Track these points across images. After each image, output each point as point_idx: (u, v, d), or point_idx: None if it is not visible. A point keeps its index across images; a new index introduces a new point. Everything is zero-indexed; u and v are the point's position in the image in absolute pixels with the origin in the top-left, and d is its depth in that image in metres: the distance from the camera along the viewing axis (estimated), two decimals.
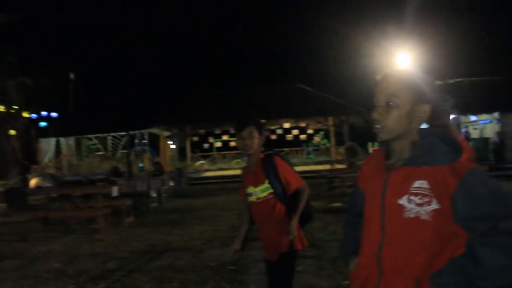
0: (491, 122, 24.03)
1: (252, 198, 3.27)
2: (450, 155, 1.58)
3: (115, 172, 16.42)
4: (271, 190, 3.20)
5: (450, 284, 1.50)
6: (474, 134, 24.79)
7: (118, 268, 6.69)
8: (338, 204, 11.82)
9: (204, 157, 30.13)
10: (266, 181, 3.20)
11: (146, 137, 25.59)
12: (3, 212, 14.04)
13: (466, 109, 22.78)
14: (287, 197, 3.24)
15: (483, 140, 23.02)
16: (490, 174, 12.81)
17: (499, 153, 20.04)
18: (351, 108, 25.11)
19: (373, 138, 28.68)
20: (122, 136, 25.93)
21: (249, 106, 22.25)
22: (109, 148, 27.34)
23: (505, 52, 34.54)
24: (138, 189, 13.36)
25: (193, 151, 28.78)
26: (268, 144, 3.81)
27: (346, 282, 5.37)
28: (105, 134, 26.37)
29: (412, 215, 1.57)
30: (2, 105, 20.33)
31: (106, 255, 7.62)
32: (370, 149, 27.99)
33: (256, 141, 3.19)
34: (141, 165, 23.14)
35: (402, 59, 33.16)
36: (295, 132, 28.61)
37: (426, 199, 1.55)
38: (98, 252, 7.90)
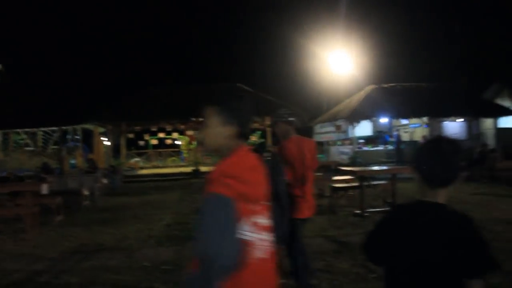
0: (420, 126, 25.11)
1: None
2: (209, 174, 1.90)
3: (46, 168, 15.80)
4: None
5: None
6: (405, 137, 25.80)
7: (46, 269, 6.42)
8: None
9: (139, 155, 29.55)
10: None
11: (79, 133, 24.78)
12: None
13: (397, 113, 23.71)
14: None
15: (412, 143, 24.02)
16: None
17: None
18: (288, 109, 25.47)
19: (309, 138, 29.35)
20: (54, 131, 24.98)
21: (187, 105, 22.04)
22: (40, 144, 26.25)
23: (436, 60, 36.23)
24: (70, 187, 12.92)
25: (128, 148, 28.16)
26: None
27: (281, 281, 5.44)
28: (35, 129, 25.28)
29: None
30: None
31: (33, 256, 7.29)
32: None
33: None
34: (73, 161, 22.40)
35: (338, 62, 34.07)
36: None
37: None
38: (24, 252, 7.54)
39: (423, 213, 2.10)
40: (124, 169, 23.13)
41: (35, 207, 9.43)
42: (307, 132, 29.46)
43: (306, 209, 4.93)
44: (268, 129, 27.12)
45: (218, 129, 2.05)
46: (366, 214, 9.65)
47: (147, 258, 6.81)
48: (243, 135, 2.08)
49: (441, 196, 2.11)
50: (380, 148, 24.80)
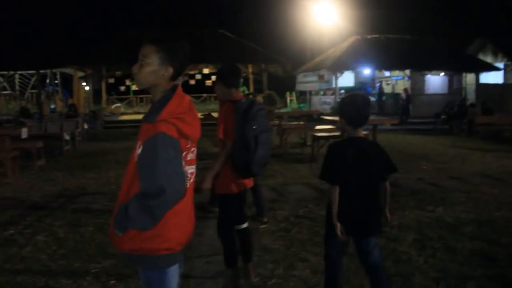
0: (402, 78, 25.17)
1: None
2: (154, 115, 2.03)
3: (24, 113, 15.59)
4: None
5: (117, 215, 2.08)
6: (387, 89, 25.89)
7: (29, 213, 6.44)
8: None
9: (120, 100, 29.22)
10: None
11: (58, 77, 24.30)
12: None
13: (380, 65, 23.67)
14: None
15: (394, 96, 24.16)
16: (399, 127, 13.40)
17: (406, 109, 21.15)
18: (271, 57, 25.22)
19: (291, 87, 29.23)
20: (32, 74, 24.44)
21: None
22: (17, 88, 25.73)
23: (421, 12, 35.94)
24: (50, 132, 12.78)
25: (109, 94, 27.78)
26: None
27: (264, 226, 5.57)
28: (12, 72, 24.69)
29: (135, 159, 2.09)
30: None
31: (15, 199, 7.31)
32: (288, 98, 28.54)
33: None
34: (52, 106, 22.09)
35: (322, 12, 33.59)
36: (214, 78, 28.40)
37: (138, 145, 2.09)
38: (6, 196, 7.54)
39: (356, 143, 3.21)
40: (105, 114, 22.92)
41: (15, 151, 9.35)
42: (289, 81, 29.39)
43: None
44: (251, 77, 26.94)
45: (155, 68, 2.13)
46: None
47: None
48: (177, 76, 2.21)
49: (360, 132, 3.24)
50: None
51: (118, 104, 27.98)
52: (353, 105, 3.18)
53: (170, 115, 2.03)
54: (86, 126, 16.36)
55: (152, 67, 2.12)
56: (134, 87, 28.95)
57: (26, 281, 4.17)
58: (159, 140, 1.97)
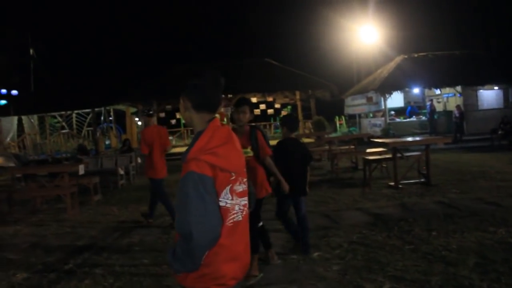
0: (454, 95, 24.54)
1: None
2: (186, 153, 2.05)
3: (82, 150, 16.16)
4: (251, 154, 4.79)
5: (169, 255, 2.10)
6: (439, 107, 25.30)
7: (87, 247, 6.65)
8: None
9: (171, 133, 29.87)
10: (249, 147, 4.81)
11: (111, 114, 25.20)
12: None
13: (429, 83, 23.20)
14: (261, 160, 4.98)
15: (446, 113, 23.53)
16: (454, 146, 12.95)
17: (460, 126, 20.53)
18: (318, 82, 25.21)
19: (340, 111, 28.97)
20: (87, 113, 25.48)
21: None
22: (74, 126, 26.83)
23: (468, 27, 35.16)
24: (106, 167, 13.20)
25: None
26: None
27: (317, 254, 5.49)
28: (69, 112, 25.81)
29: None
30: None
31: (74, 234, 7.55)
32: (337, 123, 28.33)
33: (247, 116, 4.87)
34: (107, 142, 22.82)
35: (367, 33, 33.47)
36: (263, 106, 28.58)
37: None
38: (66, 231, 7.81)
39: (292, 141, 5.68)
40: None
41: (74, 187, 9.71)
42: (337, 105, 29.21)
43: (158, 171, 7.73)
44: (299, 103, 26.97)
45: (184, 109, 2.22)
46: (400, 186, 9.59)
47: None
48: (209, 109, 2.20)
49: (292, 135, 5.77)
50: (413, 119, 24.39)
51: (170, 137, 28.62)
52: (291, 119, 6.04)
53: (199, 152, 2.01)
54: (139, 160, 16.79)
55: (183, 109, 2.23)
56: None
57: None
58: (189, 180, 1.97)
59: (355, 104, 27.36)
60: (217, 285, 2.07)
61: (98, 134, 22.21)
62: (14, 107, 24.07)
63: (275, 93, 26.19)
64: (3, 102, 24.11)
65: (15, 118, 24.92)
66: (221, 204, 2.05)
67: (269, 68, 26.06)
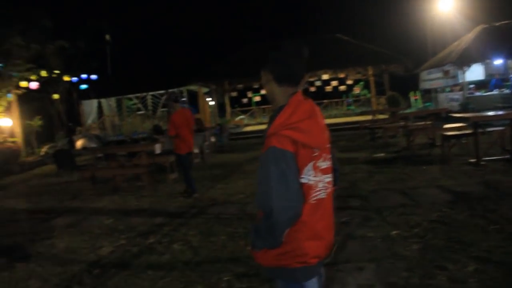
0: None
1: None
2: (267, 129, 2.04)
3: (157, 130, 16.63)
4: None
5: (251, 232, 2.12)
6: None
7: (166, 223, 6.85)
8: (382, 154, 11.68)
9: (243, 112, 30.14)
10: None
11: (185, 94, 25.71)
12: (53, 172, 14.57)
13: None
14: None
15: None
16: None
17: None
18: (391, 57, 24.38)
19: (414, 86, 27.99)
20: (162, 94, 26.14)
21: None
22: (150, 107, 27.64)
23: None
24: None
25: (232, 107, 28.78)
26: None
27: (395, 232, 5.33)
28: (144, 93, 26.62)
29: None
30: (44, 70, 20.67)
31: (153, 210, 7.82)
32: (412, 98, 27.36)
33: None
34: None
35: (443, 2, 31.84)
36: (334, 83, 28.08)
37: None
38: (145, 208, 8.10)
39: None
40: (230, 126, 23.75)
41: (151, 166, 10.02)
42: (412, 80, 28.18)
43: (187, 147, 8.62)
44: (372, 79, 26.27)
45: (266, 83, 2.20)
46: (482, 162, 9.10)
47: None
48: (292, 82, 2.13)
49: None
50: (495, 92, 23.05)
51: (242, 116, 28.88)
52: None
53: (281, 127, 1.97)
54: (213, 139, 17.08)
55: (265, 85, 2.22)
56: (256, 99, 29.72)
57: (167, 286, 4.42)
58: (270, 155, 1.94)
59: (430, 79, 26.24)
60: (298, 263, 2.05)
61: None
62: (94, 91, 25.16)
63: (347, 69, 25.61)
64: (84, 86, 25.22)
65: (95, 101, 26.03)
66: (304, 181, 2.00)
67: (340, 44, 25.51)
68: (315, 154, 2.04)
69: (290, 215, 1.93)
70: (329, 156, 2.18)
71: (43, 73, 20.58)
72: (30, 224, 7.74)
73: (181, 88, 24.75)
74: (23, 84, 19.24)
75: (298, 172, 1.97)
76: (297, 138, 1.96)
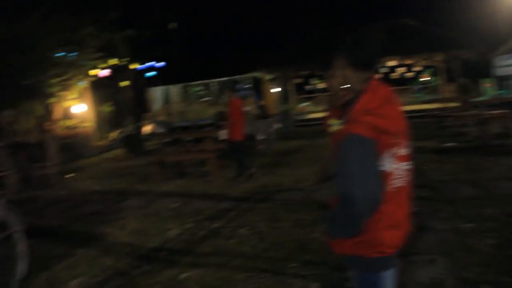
0: None
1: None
2: (345, 115, 1.97)
3: (221, 116, 16.81)
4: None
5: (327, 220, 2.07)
6: None
7: (232, 208, 6.90)
8: (452, 144, 11.22)
9: (307, 99, 29.89)
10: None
11: (249, 81, 25.83)
12: (123, 156, 15.07)
13: None
14: None
15: None
16: None
17: None
18: (462, 42, 23.33)
19: (487, 73, 26.73)
20: (226, 81, 26.39)
21: None
22: (214, 94, 27.99)
23: None
24: (245, 133, 13.56)
25: (296, 93, 28.62)
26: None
27: (468, 225, 5.09)
28: (209, 80, 26.98)
29: None
30: (113, 58, 21.37)
31: (219, 195, 7.90)
32: (484, 85, 26.15)
33: (336, 81, 4.58)
34: (248, 109, 23.47)
35: None
36: (401, 70, 27.26)
37: None
38: (211, 193, 8.20)
39: None
40: (294, 113, 23.64)
41: (216, 152, 10.12)
42: (484, 66, 26.89)
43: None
44: (440, 66, 25.29)
45: (340, 68, 2.09)
46: None
47: (324, 198, 6.90)
48: (367, 67, 2.04)
49: None
50: None
51: (306, 103, 28.66)
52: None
53: (360, 113, 1.91)
54: (277, 126, 17.05)
55: (337, 68, 2.12)
56: (320, 86, 29.38)
57: (232, 271, 4.44)
58: (349, 142, 1.88)
59: (506, 65, 24.92)
60: (375, 253, 1.98)
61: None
62: (161, 78, 25.76)
63: (415, 55, 24.77)
64: (151, 73, 25.87)
65: (162, 88, 26.67)
66: (383, 168, 1.93)
67: (407, 30, 24.68)
68: (395, 141, 1.97)
69: (371, 203, 1.85)
70: (407, 143, 2.09)
71: (112, 61, 21.26)
72: (102, 205, 8.04)
73: (246, 75, 24.88)
74: (94, 72, 19.99)
75: (378, 159, 1.90)
76: (377, 124, 1.89)
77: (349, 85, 2.09)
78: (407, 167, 2.06)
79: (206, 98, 27.44)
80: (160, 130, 19.09)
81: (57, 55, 17.44)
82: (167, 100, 27.12)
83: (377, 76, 2.07)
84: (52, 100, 17.52)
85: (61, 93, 17.73)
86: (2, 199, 4.09)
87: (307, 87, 29.15)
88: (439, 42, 23.41)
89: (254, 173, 9.20)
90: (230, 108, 9.12)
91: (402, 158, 2.02)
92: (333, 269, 4.13)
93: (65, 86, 18.06)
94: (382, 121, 1.90)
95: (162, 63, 25.83)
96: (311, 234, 5.24)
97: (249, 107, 23.54)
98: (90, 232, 6.29)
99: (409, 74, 27.74)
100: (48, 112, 18.43)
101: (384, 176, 1.93)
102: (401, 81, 28.80)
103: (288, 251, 4.82)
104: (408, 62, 26.34)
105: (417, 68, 27.71)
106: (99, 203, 8.30)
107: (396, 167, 1.97)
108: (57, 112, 18.68)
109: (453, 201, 6.08)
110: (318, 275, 4.12)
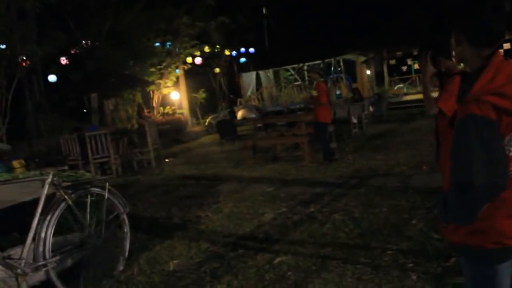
0: None
1: None
2: (463, 95, 1.82)
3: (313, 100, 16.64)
4: None
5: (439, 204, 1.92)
6: None
7: (326, 192, 6.81)
8: None
9: (402, 81, 28.81)
10: None
11: (341, 64, 25.35)
12: (216, 141, 15.44)
13: None
14: None
15: None
16: None
17: None
18: None
19: None
20: (318, 65, 26.10)
21: (448, 20, 20.28)
22: (306, 78, 27.80)
23: None
24: (338, 116, 13.36)
25: (390, 75, 27.69)
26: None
27: None
28: (301, 64, 26.79)
29: None
30: (207, 45, 21.87)
31: (313, 180, 7.84)
32: None
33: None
34: (338, 92, 23.11)
35: None
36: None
37: None
38: (305, 177, 8.16)
39: None
40: (389, 96, 22.92)
41: (310, 136, 10.04)
42: None
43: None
44: None
45: (457, 44, 1.95)
46: None
47: (421, 183, 6.62)
48: (489, 43, 1.84)
49: None
50: None
51: (401, 85, 27.63)
52: None
53: (482, 92, 1.75)
54: (371, 109, 16.62)
55: (453, 44, 1.97)
56: (416, 66, 28.17)
57: (329, 255, 4.37)
58: (469, 124, 1.74)
59: None
60: (493, 243, 1.83)
61: (329, 84, 22.60)
62: (253, 63, 25.99)
63: None
64: (243, 59, 26.17)
65: (254, 73, 26.90)
66: (505, 152, 1.77)
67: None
68: None
69: (493, 188, 1.71)
70: None
71: (206, 49, 21.78)
72: (198, 189, 8.28)
73: (338, 58, 24.45)
74: (189, 60, 20.60)
75: (501, 142, 1.74)
76: (501, 104, 1.72)
77: (468, 63, 1.93)
78: None
79: (298, 82, 27.30)
80: (253, 115, 19.29)
81: (156, 45, 18.20)
82: (259, 85, 27.35)
83: (500, 52, 1.86)
84: (151, 88, 18.34)
85: (159, 81, 18.50)
86: (107, 183, 4.29)
87: (403, 68, 28.08)
88: None
89: (338, 158, 9.34)
90: (316, 91, 9.32)
91: None
92: (434, 259, 3.93)
93: (162, 74, 18.82)
94: (506, 102, 1.73)
95: (253, 49, 26.06)
96: (409, 221, 5.04)
97: (340, 91, 23.18)
98: (187, 216, 6.48)
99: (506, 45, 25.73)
100: (147, 99, 19.34)
101: (507, 161, 1.77)
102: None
103: (384, 238, 4.66)
104: None
105: None
106: (195, 187, 8.55)
107: None
108: (155, 100, 19.54)
109: None
110: (417, 265, 3.94)
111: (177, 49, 19.53)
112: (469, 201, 1.72)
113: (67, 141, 10.82)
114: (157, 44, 18.40)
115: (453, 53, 2.82)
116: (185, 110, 21.44)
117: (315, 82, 9.69)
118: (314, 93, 9.41)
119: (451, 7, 2.02)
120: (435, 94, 3.52)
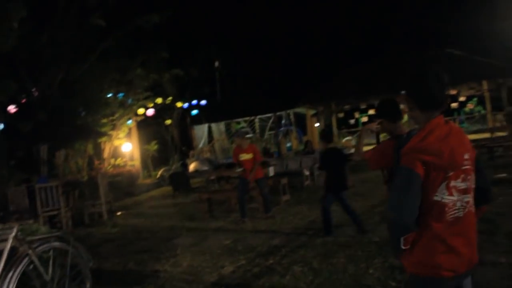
0: None
1: None
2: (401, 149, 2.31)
3: (266, 153, 16.94)
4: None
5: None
6: None
7: (284, 244, 6.91)
8: (504, 175, 10.91)
9: (351, 133, 29.72)
10: None
11: (291, 117, 25.95)
12: (169, 194, 15.32)
13: None
14: None
15: None
16: None
17: None
18: (509, 69, 22.82)
19: None
20: (269, 117, 26.61)
21: (394, 78, 21.31)
22: (257, 130, 28.22)
23: None
24: (291, 168, 13.62)
25: (339, 128, 28.52)
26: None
27: None
28: (252, 117, 27.24)
29: None
30: (159, 97, 21.99)
31: (269, 232, 7.92)
32: None
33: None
34: (288, 144, 23.55)
35: None
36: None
37: None
38: (261, 229, 8.23)
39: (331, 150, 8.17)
40: (339, 148, 23.50)
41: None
42: None
43: None
44: (487, 95, 24.78)
45: (408, 109, 2.36)
46: None
47: (376, 233, 6.83)
48: (434, 107, 2.26)
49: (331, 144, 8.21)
50: None
51: (349, 138, 28.47)
52: (325, 133, 8.58)
53: (411, 149, 2.17)
54: None
55: (405, 108, 2.42)
56: (363, 119, 29.20)
57: None
58: (399, 172, 2.18)
59: None
60: (432, 274, 2.21)
61: (280, 137, 23.05)
62: (205, 115, 26.21)
63: (459, 85, 24.36)
64: (195, 111, 26.38)
65: (206, 126, 27.09)
66: (436, 199, 2.16)
67: (451, 59, 24.35)
68: (449, 175, 2.16)
69: (400, 226, 2.15)
70: (469, 176, 2.24)
71: (159, 100, 21.87)
72: (154, 242, 8.18)
73: (288, 111, 25.03)
74: (141, 111, 20.59)
75: (429, 191, 2.15)
76: (427, 159, 2.12)
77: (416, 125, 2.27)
78: (468, 199, 2.25)
79: (250, 135, 27.67)
80: (205, 167, 19.33)
81: (108, 95, 18.14)
82: (211, 138, 27.50)
83: (441, 116, 2.23)
84: (102, 139, 18.14)
85: (111, 132, 18.34)
86: (68, 236, 4.24)
87: (350, 121, 29.03)
88: (485, 71, 23.05)
89: (273, 216, 9.21)
90: (253, 153, 9.34)
91: (462, 191, 2.21)
92: None
93: (115, 125, 18.69)
94: (432, 157, 2.12)
95: (205, 101, 26.35)
96: (366, 270, 5.19)
97: (291, 143, 23.64)
98: (145, 270, 6.40)
99: (454, 105, 27.27)
100: (98, 151, 19.06)
101: (439, 206, 2.17)
102: (446, 112, 28.25)
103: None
104: (452, 92, 25.89)
105: (462, 98, 27.26)
106: (150, 240, 8.44)
107: (454, 198, 2.18)
108: (106, 151, 19.28)
109: (511, 233, 5.92)
110: None
111: (130, 100, 19.51)
112: (390, 233, 2.24)
113: (15, 193, 10.50)
114: (110, 94, 18.36)
115: (406, 116, 3.25)
116: (137, 162, 21.21)
117: (245, 147, 9.48)
118: (249, 156, 9.24)
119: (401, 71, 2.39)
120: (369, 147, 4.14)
